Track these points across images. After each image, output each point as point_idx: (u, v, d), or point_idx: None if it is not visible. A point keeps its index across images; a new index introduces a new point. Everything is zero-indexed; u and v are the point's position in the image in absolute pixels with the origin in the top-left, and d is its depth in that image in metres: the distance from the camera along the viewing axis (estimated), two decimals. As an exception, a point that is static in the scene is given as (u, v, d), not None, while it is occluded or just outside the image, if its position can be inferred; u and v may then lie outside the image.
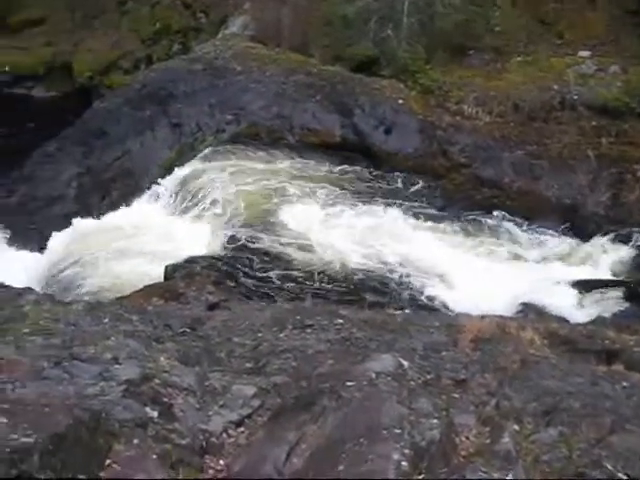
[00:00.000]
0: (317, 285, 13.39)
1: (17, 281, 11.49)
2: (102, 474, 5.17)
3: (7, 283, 10.48)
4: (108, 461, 5.31)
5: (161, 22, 30.94)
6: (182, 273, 13.07)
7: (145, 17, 31.46)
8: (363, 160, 19.06)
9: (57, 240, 16.93)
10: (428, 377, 7.14)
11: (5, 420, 5.04)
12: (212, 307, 10.93)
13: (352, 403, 6.00)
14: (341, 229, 15.83)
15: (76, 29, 32.51)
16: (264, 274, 13.41)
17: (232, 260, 13.72)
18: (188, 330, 8.97)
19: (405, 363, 7.08)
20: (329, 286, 13.45)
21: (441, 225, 17.27)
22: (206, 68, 20.86)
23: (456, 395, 7.02)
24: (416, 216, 17.31)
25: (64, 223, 17.66)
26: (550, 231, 17.36)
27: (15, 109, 29.47)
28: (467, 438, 6.18)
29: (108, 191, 18.59)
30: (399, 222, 16.88)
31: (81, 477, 4.95)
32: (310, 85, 20.31)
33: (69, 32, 32.42)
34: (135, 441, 5.64)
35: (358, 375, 6.57)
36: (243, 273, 13.40)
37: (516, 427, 6.30)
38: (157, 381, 6.77)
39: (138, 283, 13.25)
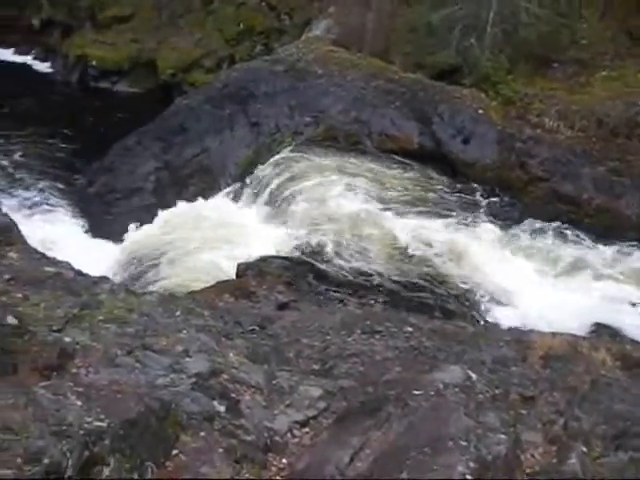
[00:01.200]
0: (388, 291, 13.35)
1: (93, 269, 11.77)
2: (168, 463, 5.27)
3: (84, 271, 10.74)
4: (175, 451, 5.40)
5: (245, 23, 31.33)
6: (254, 271, 13.18)
7: (230, 17, 31.90)
8: (440, 169, 18.88)
9: (133, 231, 17.28)
10: (496, 391, 7.05)
11: (80, 403, 5.18)
12: (282, 307, 11.00)
13: (418, 412, 5.97)
14: (416, 237, 15.72)
15: (162, 27, 33.17)
16: (335, 277, 13.42)
17: (304, 261, 13.77)
18: (258, 328, 9.05)
19: (473, 376, 7.01)
20: (400, 293, 13.39)
21: (516, 239, 17.01)
22: (287, 70, 20.98)
23: (524, 411, 6.93)
24: (490, 228, 17.08)
25: (141, 215, 18.02)
26: (628, 250, 16.91)
27: (99, 102, 30.23)
28: (533, 456, 6.09)
29: (185, 187, 18.89)
30: (473, 232, 16.68)
31: (148, 464, 5.05)
32: (390, 91, 20.25)
33: (155, 30, 33.11)
34: (202, 434, 5.73)
35: (426, 384, 6.53)
36: (314, 275, 13.42)
37: (584, 449, 6.18)
38: (226, 376, 6.86)
39: (210, 278, 13.42)
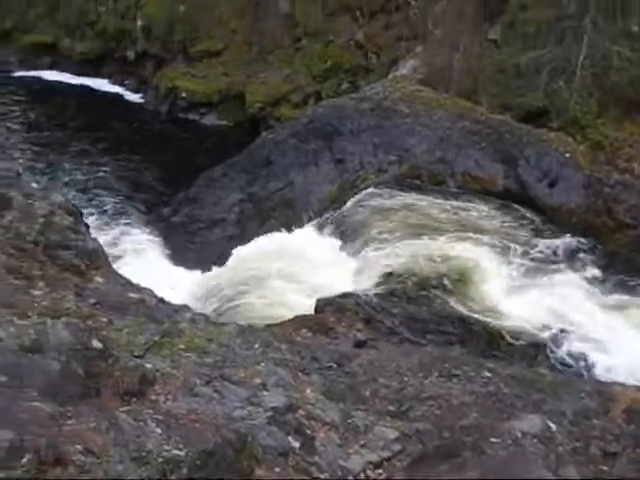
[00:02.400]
0: (467, 334, 13.16)
1: (175, 298, 11.97)
2: (243, 496, 5.27)
3: (166, 299, 10.93)
4: (250, 484, 5.40)
5: (333, 60, 31.71)
6: (333, 308, 13.18)
7: (318, 54, 32.34)
8: (524, 212, 18.62)
9: (215, 262, 17.50)
10: (576, 444, 6.85)
11: (159, 431, 5.26)
12: (360, 345, 10.94)
13: (495, 460, 5.86)
14: (497, 281, 15.47)
15: (251, 62, 33.86)
16: (414, 317, 13.31)
17: (384, 299, 13.71)
18: (335, 365, 9.02)
19: (553, 426, 6.84)
20: (479, 336, 13.18)
21: (600, 287, 16.57)
22: (373, 108, 21.10)
23: (605, 467, 6.71)
24: (575, 275, 16.68)
25: (223, 246, 18.30)
26: None
27: (187, 134, 30.96)
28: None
29: (268, 219, 19.11)
30: (557, 279, 16.32)
31: (223, 496, 5.07)
32: (476, 132, 20.15)
33: (245, 64, 33.82)
34: (276, 469, 5.73)
35: (503, 432, 6.40)
36: (393, 313, 13.34)
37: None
38: (302, 412, 6.86)
39: (289, 312, 13.47)
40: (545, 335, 14.47)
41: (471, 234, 17.17)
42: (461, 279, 14.77)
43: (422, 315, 13.39)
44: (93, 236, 12.28)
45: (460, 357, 10.72)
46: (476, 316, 13.55)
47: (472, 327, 13.21)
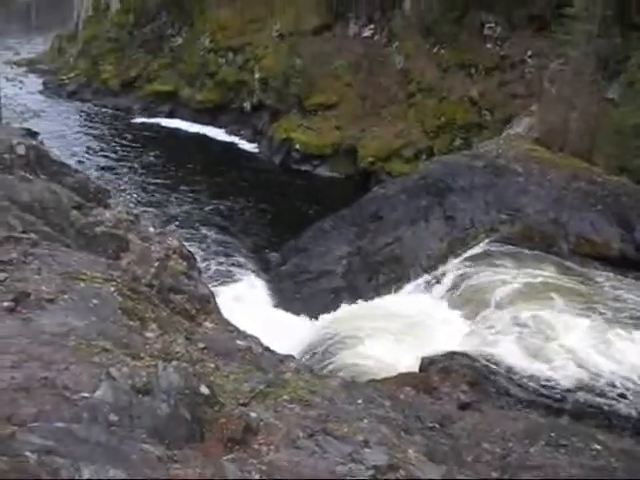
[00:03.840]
0: (576, 403, 12.66)
1: (280, 346, 12.05)
2: None
3: (272, 347, 11.02)
4: None
5: (446, 116, 31.81)
6: (438, 367, 12.97)
7: (431, 110, 32.51)
8: (640, 277, 17.91)
9: (321, 313, 17.54)
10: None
11: (263, 482, 5.26)
12: (464, 407, 10.72)
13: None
14: (612, 350, 14.80)
15: (365, 116, 34.33)
16: (522, 381, 12.93)
17: (490, 361, 13.38)
18: (438, 426, 8.87)
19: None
20: (590, 406, 12.66)
21: None
22: (486, 166, 20.93)
23: None
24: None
25: (330, 298, 18.37)
26: None
27: (299, 184, 31.51)
28: None
29: (376, 274, 19.10)
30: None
31: None
32: (591, 193, 19.65)
33: (358, 118, 34.31)
34: (376, 529, 5.63)
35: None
36: (500, 376, 13.02)
37: None
38: (403, 472, 6.75)
39: (393, 369, 13.34)
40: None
41: (582, 300, 16.54)
42: (571, 346, 14.22)
43: (531, 381, 13.01)
44: (204, 281, 12.56)
45: (569, 427, 10.36)
46: (588, 387, 13.03)
47: (584, 397, 12.70)
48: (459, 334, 15.11)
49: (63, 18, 57.41)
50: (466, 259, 18.11)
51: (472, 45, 32.48)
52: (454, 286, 17.01)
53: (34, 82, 44.47)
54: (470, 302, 16.12)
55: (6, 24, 24.70)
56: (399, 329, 15.30)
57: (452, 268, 17.92)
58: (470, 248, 18.60)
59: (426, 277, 18.19)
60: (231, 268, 21.07)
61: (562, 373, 13.19)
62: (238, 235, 24.89)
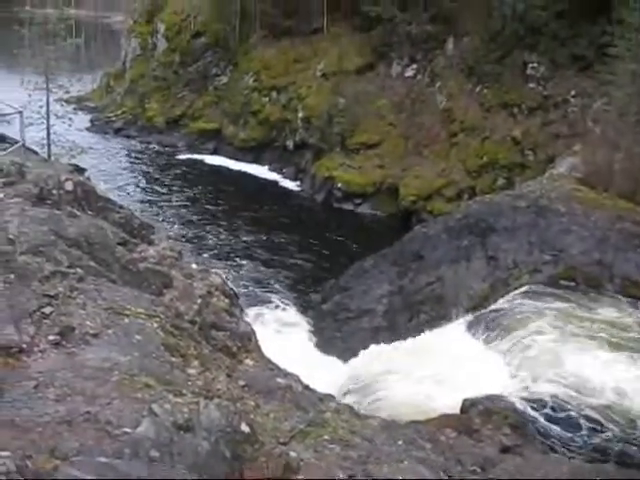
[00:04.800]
0: (623, 449, 12.33)
1: (320, 385, 12.01)
2: None
3: (312, 386, 11.00)
4: None
5: (488, 156, 31.74)
6: (479, 409, 12.77)
7: (473, 150, 32.47)
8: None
9: (362, 352, 17.43)
10: None
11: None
12: (505, 450, 10.56)
13: None
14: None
15: (407, 155, 34.45)
16: (565, 426, 12.66)
17: (534, 405, 13.14)
18: (479, 469, 8.75)
19: None
20: (634, 455, 12.30)
21: None
22: (529, 206, 20.75)
23: None
24: None
25: (370, 337, 18.28)
26: None
27: (341, 223, 31.60)
28: None
29: (416, 313, 18.97)
30: None
31: None
32: (637, 234, 19.33)
33: (400, 157, 34.44)
34: None
35: None
36: (543, 420, 12.77)
37: None
38: (443, 516, 6.66)
39: (433, 410, 13.18)
40: None
41: (629, 343, 16.16)
42: (619, 394, 13.83)
43: (574, 426, 12.73)
44: (246, 318, 12.62)
45: (614, 472, 10.13)
46: (634, 434, 12.69)
47: (631, 444, 12.36)
48: (501, 375, 14.89)
49: (111, 57, 58.74)
50: (509, 299, 17.86)
51: (515, 85, 32.45)
52: (496, 326, 16.77)
53: (82, 119, 45.34)
54: (512, 343, 15.86)
55: (57, 63, 25.31)
56: (440, 369, 15.12)
57: (494, 308, 17.70)
58: (513, 288, 18.35)
59: (468, 317, 17.96)
60: (272, 305, 21.13)
61: (608, 418, 12.88)
62: (280, 272, 25.01)
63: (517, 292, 18.11)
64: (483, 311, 17.80)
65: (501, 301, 17.99)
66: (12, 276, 8.71)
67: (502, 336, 16.25)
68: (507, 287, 18.59)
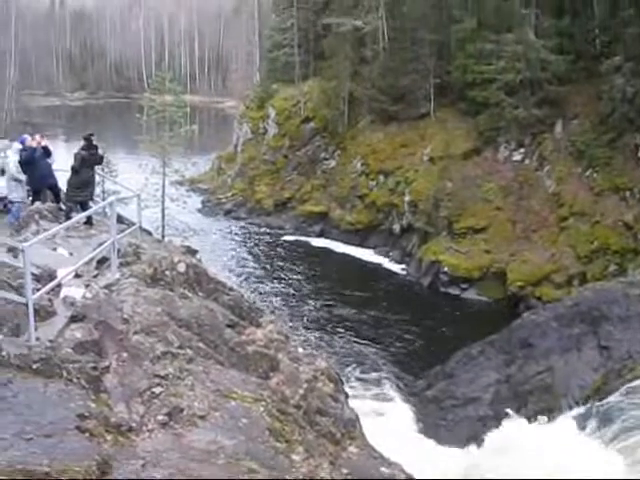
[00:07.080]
0: None
1: (424, 475, 11.70)
2: None
3: (415, 476, 10.73)
4: None
5: (599, 241, 30.97)
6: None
7: (584, 234, 31.77)
8: None
9: (467, 441, 16.97)
10: None
11: None
12: None
13: None
14: None
15: (515, 240, 33.99)
16: None
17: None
18: None
19: None
20: None
21: None
22: (644, 294, 20.03)
23: None
24: None
25: (476, 426, 17.79)
26: None
27: (447, 308, 31.27)
28: None
29: (524, 403, 18.34)
30: None
31: None
32: None
33: (508, 242, 34.00)
34: None
35: None
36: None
37: None
38: None
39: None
40: None
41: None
42: None
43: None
44: (350, 405, 12.50)
45: None
46: None
47: None
48: (619, 474, 14.11)
49: (224, 141, 60.82)
50: (623, 393, 17.05)
51: (626, 168, 31.82)
52: (610, 422, 15.96)
53: (194, 201, 46.89)
54: (627, 441, 15.06)
55: (173, 148, 26.61)
56: (549, 468, 14.46)
57: (608, 402, 16.89)
58: (628, 381, 17.53)
59: (579, 410, 17.22)
60: (376, 390, 20.94)
61: None
62: (385, 356, 24.88)
63: (633, 384, 17.27)
64: (596, 404, 17.02)
65: (615, 394, 17.16)
66: (125, 354, 8.95)
67: (616, 432, 15.43)
68: (621, 379, 17.80)
